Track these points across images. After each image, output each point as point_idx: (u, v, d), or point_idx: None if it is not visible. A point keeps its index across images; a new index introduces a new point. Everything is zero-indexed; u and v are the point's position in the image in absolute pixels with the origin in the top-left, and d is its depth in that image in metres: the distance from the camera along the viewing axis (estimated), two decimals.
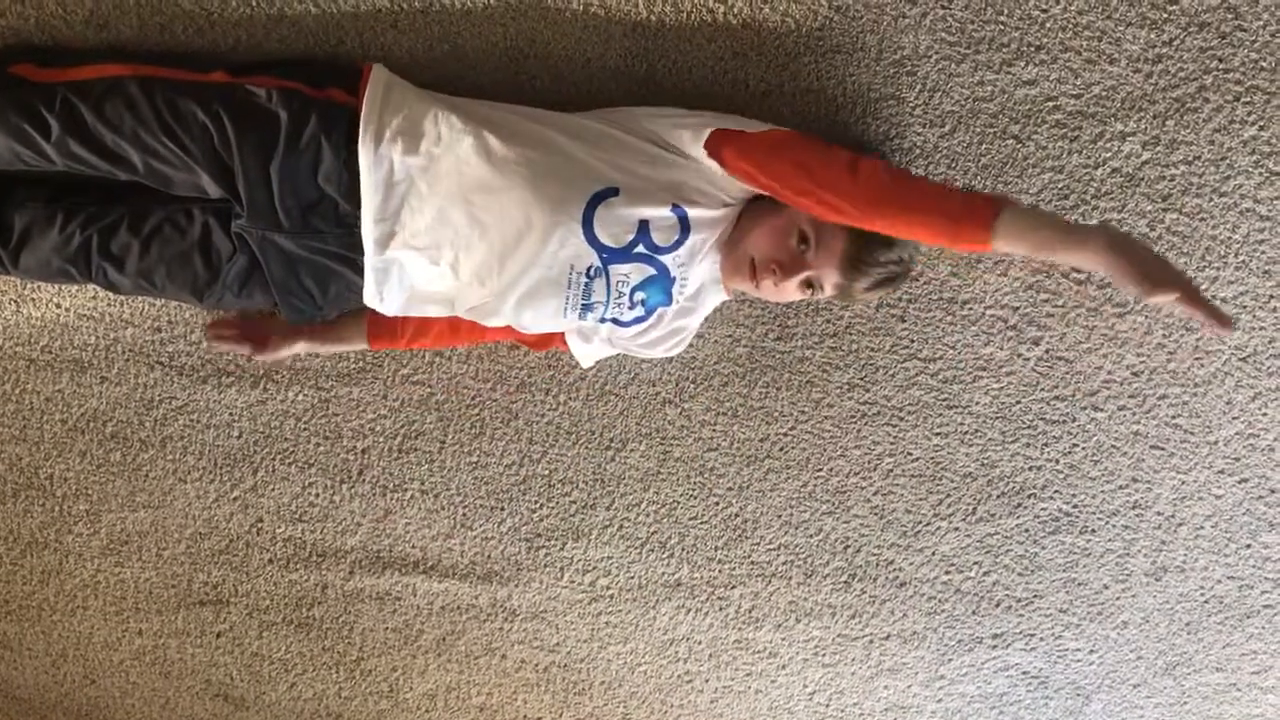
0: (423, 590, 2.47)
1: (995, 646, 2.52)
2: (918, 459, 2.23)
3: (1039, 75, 1.81)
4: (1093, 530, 2.32)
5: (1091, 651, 2.52)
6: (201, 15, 1.75)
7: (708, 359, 2.11)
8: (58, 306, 2.07)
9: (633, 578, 2.44)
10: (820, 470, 2.25)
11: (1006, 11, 1.77)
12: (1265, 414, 2.15)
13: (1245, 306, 2.02)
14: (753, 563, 2.39)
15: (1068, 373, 2.11)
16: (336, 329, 2.00)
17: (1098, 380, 2.12)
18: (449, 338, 2.00)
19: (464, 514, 2.35)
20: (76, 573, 2.51)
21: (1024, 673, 2.57)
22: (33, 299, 2.07)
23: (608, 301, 1.71)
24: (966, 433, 2.19)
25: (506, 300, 1.70)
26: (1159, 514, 2.30)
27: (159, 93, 1.62)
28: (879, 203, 1.56)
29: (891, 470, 2.25)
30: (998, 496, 2.28)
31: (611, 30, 1.78)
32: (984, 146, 1.88)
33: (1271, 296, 2.01)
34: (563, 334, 1.93)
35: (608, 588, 2.46)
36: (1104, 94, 1.83)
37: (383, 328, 1.97)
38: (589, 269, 1.67)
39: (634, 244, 1.66)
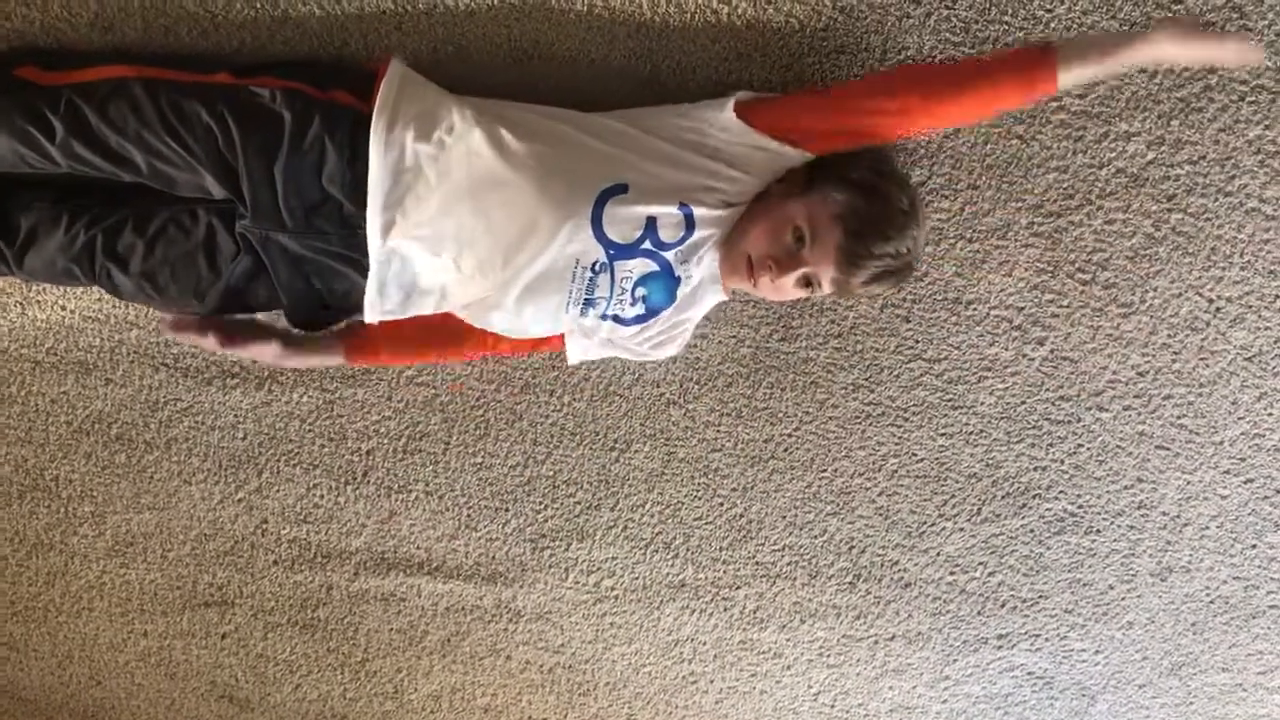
0: (428, 591, 2.48)
1: (1000, 647, 2.51)
2: (922, 460, 2.23)
3: None
4: (1098, 531, 2.32)
5: (1097, 652, 2.52)
6: (206, 17, 1.75)
7: (711, 360, 2.11)
8: (63, 309, 2.08)
9: (637, 579, 2.44)
10: (825, 471, 2.25)
11: (1011, 12, 1.76)
12: (1271, 414, 2.15)
13: (1250, 307, 2.02)
14: (757, 563, 2.39)
15: (1073, 373, 2.11)
16: (314, 339, 1.92)
17: (1103, 380, 2.12)
18: (426, 354, 1.95)
19: (469, 515, 2.35)
20: (82, 574, 2.51)
21: (1029, 673, 2.57)
22: (38, 301, 2.07)
23: (610, 297, 1.71)
24: (971, 433, 2.19)
25: (509, 294, 1.70)
26: (1164, 514, 2.29)
27: (163, 94, 1.62)
28: (933, 89, 1.60)
29: (896, 471, 2.25)
30: (1003, 497, 2.27)
31: (616, 31, 1.78)
32: (988, 146, 1.87)
33: (1277, 296, 2.00)
34: (551, 338, 1.91)
35: (612, 589, 2.46)
36: (1108, 93, 1.83)
37: (360, 342, 1.91)
38: (594, 264, 1.67)
39: (641, 240, 1.66)
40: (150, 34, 1.76)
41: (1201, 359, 2.09)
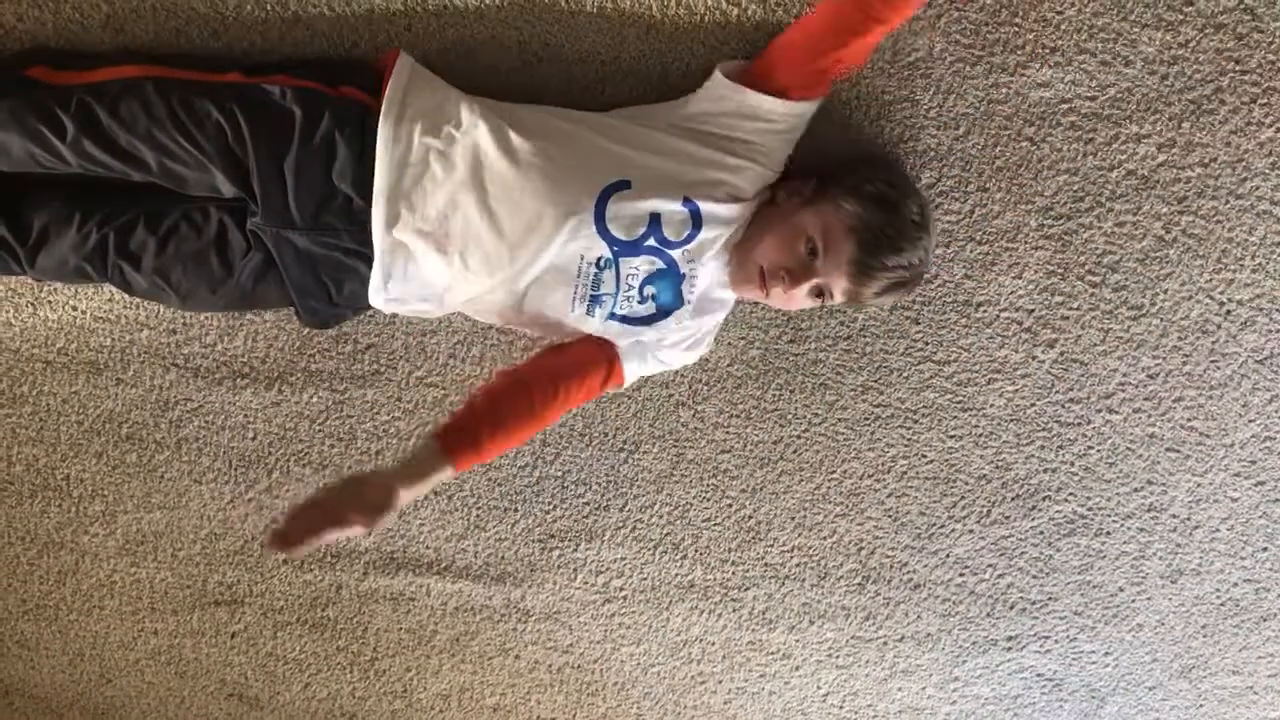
0: (437, 591, 2.48)
1: (1010, 649, 2.51)
2: (932, 461, 2.23)
3: (1054, 78, 1.81)
4: (1108, 533, 2.31)
5: (1106, 654, 2.51)
6: (216, 18, 1.76)
7: (720, 361, 2.11)
8: (74, 309, 2.09)
9: (646, 579, 2.44)
10: (834, 472, 2.25)
11: (1021, 14, 1.76)
12: None
13: (1261, 309, 2.01)
14: (766, 564, 2.39)
15: (1082, 375, 2.10)
16: (416, 465, 1.72)
17: (1113, 383, 2.11)
18: (531, 425, 1.79)
19: (478, 515, 2.35)
20: (93, 573, 2.52)
21: (1038, 675, 2.56)
22: (49, 301, 2.08)
23: (616, 294, 1.72)
24: (981, 435, 2.18)
25: (515, 289, 1.71)
26: (1174, 517, 2.29)
27: (174, 93, 1.63)
28: None
29: (905, 473, 2.24)
30: (1012, 499, 2.27)
31: (625, 32, 1.78)
32: (998, 149, 1.87)
33: None
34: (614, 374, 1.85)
35: (621, 589, 2.46)
36: (1119, 96, 1.82)
37: (458, 440, 1.73)
38: (599, 260, 1.68)
39: (645, 237, 1.67)
40: (161, 35, 1.77)
41: (1212, 362, 2.08)
